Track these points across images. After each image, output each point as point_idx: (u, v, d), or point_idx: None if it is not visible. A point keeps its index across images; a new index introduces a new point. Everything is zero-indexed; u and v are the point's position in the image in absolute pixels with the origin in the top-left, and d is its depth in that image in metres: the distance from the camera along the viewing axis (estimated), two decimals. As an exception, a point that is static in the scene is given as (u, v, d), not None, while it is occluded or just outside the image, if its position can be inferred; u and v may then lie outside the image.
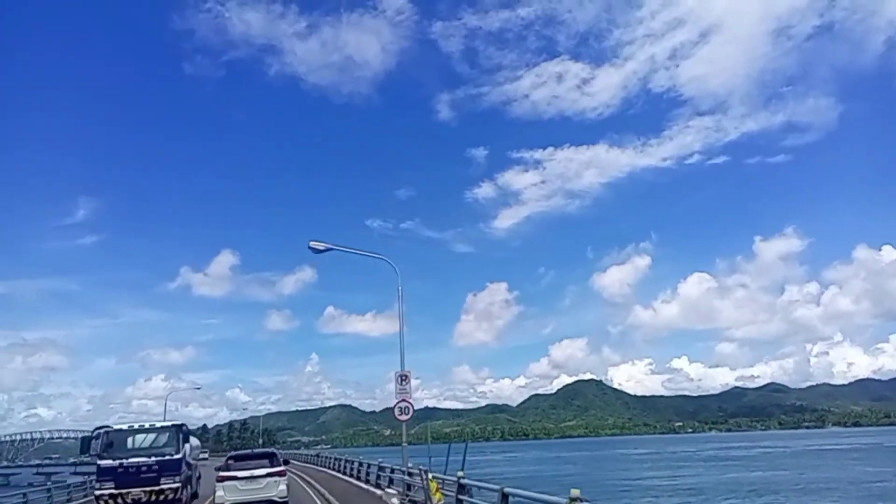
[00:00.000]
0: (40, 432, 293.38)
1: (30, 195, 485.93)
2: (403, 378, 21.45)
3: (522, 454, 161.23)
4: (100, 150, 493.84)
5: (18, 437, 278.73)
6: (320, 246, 22.46)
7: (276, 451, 23.96)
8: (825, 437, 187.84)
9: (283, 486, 19.59)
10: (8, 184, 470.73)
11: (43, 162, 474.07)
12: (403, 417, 21.23)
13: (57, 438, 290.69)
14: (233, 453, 23.12)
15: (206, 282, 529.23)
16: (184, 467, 19.48)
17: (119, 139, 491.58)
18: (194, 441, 25.00)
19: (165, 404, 56.89)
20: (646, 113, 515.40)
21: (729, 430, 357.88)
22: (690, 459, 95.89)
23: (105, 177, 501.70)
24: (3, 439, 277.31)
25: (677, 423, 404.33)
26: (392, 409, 21.38)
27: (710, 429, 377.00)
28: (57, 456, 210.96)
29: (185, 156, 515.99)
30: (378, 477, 25.04)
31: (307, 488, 28.81)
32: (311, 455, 58.02)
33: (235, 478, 19.17)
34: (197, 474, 24.65)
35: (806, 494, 41.22)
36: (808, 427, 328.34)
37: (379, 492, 22.25)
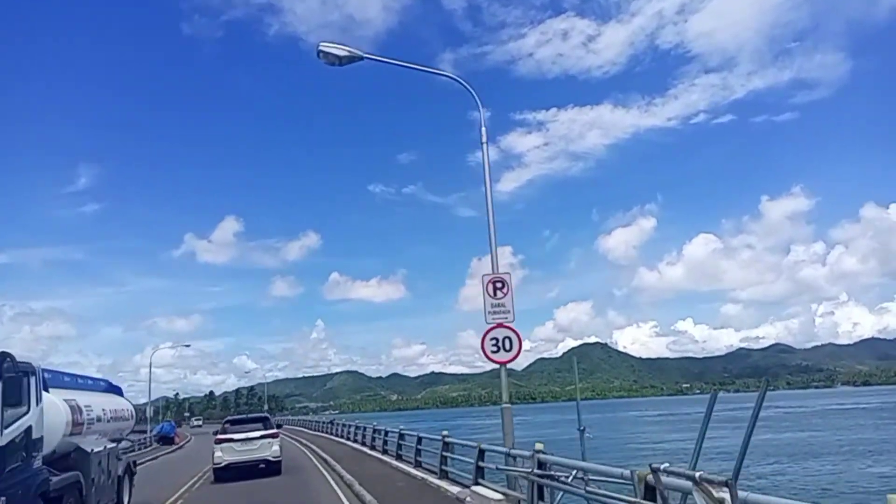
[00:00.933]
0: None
1: (30, 163, 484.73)
2: (499, 285, 11.42)
3: (532, 417, 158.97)
4: (97, 115, 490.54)
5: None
6: (338, 51, 11.75)
7: (268, 415, 24.98)
8: (839, 396, 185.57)
9: (276, 447, 20.95)
10: (8, 152, 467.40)
11: (41, 129, 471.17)
12: (502, 357, 11.32)
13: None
14: (229, 418, 24.58)
15: (211, 249, 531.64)
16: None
17: (116, 104, 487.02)
18: (98, 402, 13.45)
19: (150, 365, 51.88)
20: (652, 70, 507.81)
21: (737, 391, 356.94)
22: (710, 421, 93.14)
23: (104, 143, 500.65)
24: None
25: (684, 385, 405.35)
26: (481, 342, 11.37)
27: (718, 390, 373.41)
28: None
29: (184, 120, 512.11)
30: (443, 461, 15.55)
31: (323, 471, 21.78)
32: (324, 423, 51.80)
33: (232, 440, 20.40)
34: (117, 470, 13.93)
35: (860, 457, 37.80)
36: (816, 387, 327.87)
37: (453, 488, 13.50)
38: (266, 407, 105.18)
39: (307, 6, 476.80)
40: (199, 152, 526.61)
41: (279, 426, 23.73)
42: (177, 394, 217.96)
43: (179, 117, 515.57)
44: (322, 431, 48.56)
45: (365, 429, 29.88)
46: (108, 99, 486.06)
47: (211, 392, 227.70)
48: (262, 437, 20.79)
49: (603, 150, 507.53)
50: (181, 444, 51.45)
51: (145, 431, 50.92)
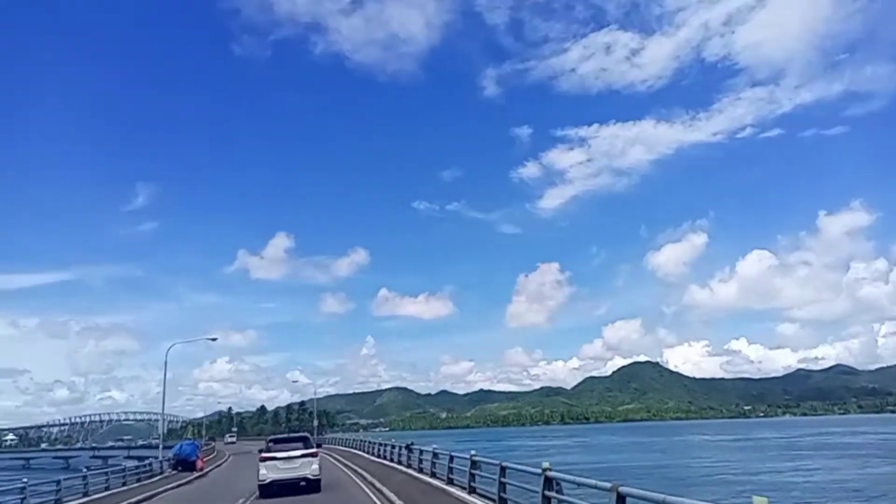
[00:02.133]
0: (117, 414, 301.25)
1: (91, 183, 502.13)
2: None
3: (591, 439, 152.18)
4: (153, 135, 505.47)
5: (88, 419, 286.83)
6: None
7: (308, 434, 25.27)
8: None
9: (315, 466, 21.55)
10: (72, 174, 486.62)
11: (101, 150, 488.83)
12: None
13: (126, 421, 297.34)
14: (272, 437, 25.24)
15: (263, 265, 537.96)
16: None
17: (169, 124, 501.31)
18: None
19: (165, 365, 40.25)
20: (698, 84, 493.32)
21: (804, 415, 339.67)
22: (797, 448, 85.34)
23: (159, 162, 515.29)
24: (73, 420, 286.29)
25: (745, 407, 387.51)
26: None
27: (784, 412, 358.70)
28: (129, 437, 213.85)
29: (234, 139, 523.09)
30: None
31: None
32: (393, 446, 31.36)
33: (275, 458, 21.28)
34: None
35: None
36: (892, 411, 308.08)
37: None
38: (316, 423, 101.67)
39: (351, 24, 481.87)
40: (249, 170, 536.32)
41: (319, 445, 25.14)
42: (230, 408, 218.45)
43: (231, 136, 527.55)
44: (392, 460, 30.80)
45: (503, 469, 13.62)
46: (163, 119, 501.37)
47: (262, 407, 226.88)
48: (303, 455, 21.54)
49: (647, 165, 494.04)
50: (204, 470, 38.59)
51: (157, 450, 41.29)
